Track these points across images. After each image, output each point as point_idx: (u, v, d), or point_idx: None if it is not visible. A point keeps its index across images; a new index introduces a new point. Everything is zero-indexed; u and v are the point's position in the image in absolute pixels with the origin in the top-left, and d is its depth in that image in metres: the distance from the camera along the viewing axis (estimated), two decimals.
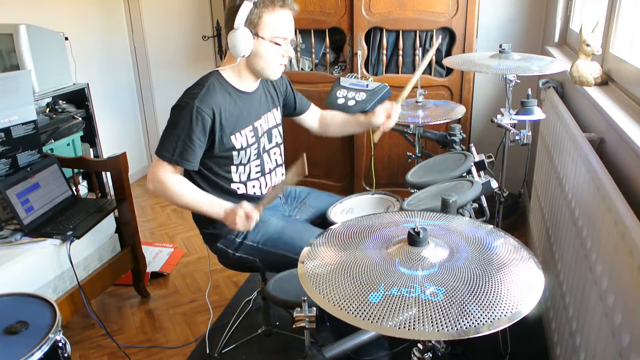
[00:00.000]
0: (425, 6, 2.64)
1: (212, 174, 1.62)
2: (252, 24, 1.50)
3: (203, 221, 1.69)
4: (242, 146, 1.61)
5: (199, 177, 1.63)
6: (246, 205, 1.50)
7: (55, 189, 2.08)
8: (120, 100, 3.69)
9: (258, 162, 1.69)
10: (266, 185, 1.74)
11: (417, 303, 0.81)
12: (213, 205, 1.56)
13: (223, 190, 1.64)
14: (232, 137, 1.58)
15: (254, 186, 1.69)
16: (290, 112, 1.87)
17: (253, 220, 1.50)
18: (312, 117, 1.93)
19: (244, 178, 1.67)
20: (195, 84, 1.58)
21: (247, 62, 1.58)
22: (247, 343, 2.03)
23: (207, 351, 2.01)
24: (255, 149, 1.66)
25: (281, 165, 1.81)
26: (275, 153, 1.76)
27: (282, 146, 1.80)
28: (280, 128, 1.79)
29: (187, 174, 1.61)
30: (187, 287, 2.50)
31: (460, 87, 2.72)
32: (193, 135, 1.50)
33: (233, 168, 1.63)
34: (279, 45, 1.54)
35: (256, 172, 1.69)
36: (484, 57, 1.79)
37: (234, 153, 1.61)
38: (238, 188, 1.66)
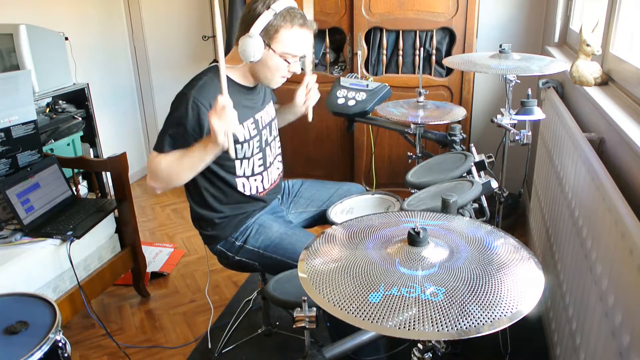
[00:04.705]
0: (425, 6, 2.64)
1: (215, 170, 1.61)
2: (268, 35, 1.49)
3: (203, 224, 1.70)
4: (244, 138, 1.60)
5: (201, 175, 1.62)
6: (211, 113, 1.36)
7: (55, 189, 2.08)
8: (120, 100, 3.69)
9: (260, 155, 1.69)
10: (268, 180, 1.74)
11: (417, 303, 0.81)
12: (200, 151, 1.43)
13: (227, 184, 1.64)
14: None
15: (255, 180, 1.69)
16: None
17: (226, 110, 1.34)
18: None
19: (248, 172, 1.66)
20: (195, 76, 1.57)
21: (251, 66, 1.58)
22: (247, 343, 2.03)
23: (210, 346, 2.00)
24: (257, 142, 1.66)
25: (279, 155, 1.81)
26: (274, 146, 1.77)
27: (277, 138, 1.81)
28: (276, 121, 1.81)
29: None
30: (187, 287, 2.50)
31: (460, 87, 2.72)
32: (187, 125, 1.48)
33: (237, 162, 1.63)
34: (288, 62, 1.54)
35: (259, 166, 1.69)
36: (484, 57, 1.79)
37: (237, 146, 1.60)
38: (244, 184, 1.66)
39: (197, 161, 1.46)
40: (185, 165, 1.46)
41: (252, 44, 1.48)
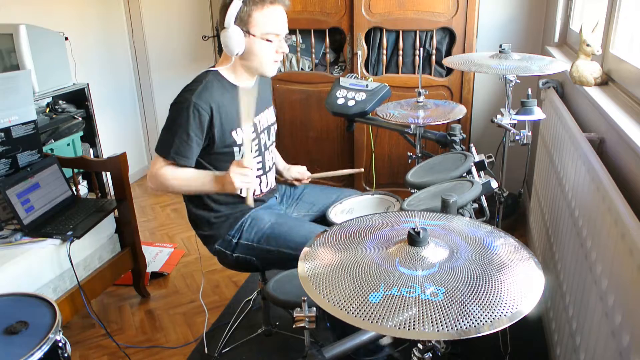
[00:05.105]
0: (425, 6, 2.63)
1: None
2: (243, 22, 1.50)
3: (200, 224, 1.70)
4: (243, 141, 1.61)
5: None
6: (234, 167, 1.48)
7: (55, 189, 2.08)
8: (120, 100, 3.69)
9: (259, 159, 1.69)
10: (267, 184, 1.74)
11: (417, 303, 0.81)
12: (206, 182, 1.55)
13: None
14: (233, 133, 1.59)
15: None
16: None
17: (249, 173, 1.47)
18: None
19: None
20: (193, 81, 1.58)
21: (241, 60, 1.58)
22: (247, 343, 2.03)
23: (207, 351, 2.01)
24: (255, 145, 1.66)
25: (274, 164, 1.82)
26: (271, 151, 1.77)
27: (274, 144, 1.82)
28: (275, 127, 1.80)
29: None
30: (187, 287, 2.50)
31: (460, 87, 2.72)
32: (190, 131, 1.50)
33: None
34: (271, 42, 1.54)
35: (257, 169, 1.69)
36: (484, 57, 1.79)
37: (235, 149, 1.60)
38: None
39: (203, 191, 1.59)
40: (190, 188, 1.59)
41: (230, 35, 1.49)
